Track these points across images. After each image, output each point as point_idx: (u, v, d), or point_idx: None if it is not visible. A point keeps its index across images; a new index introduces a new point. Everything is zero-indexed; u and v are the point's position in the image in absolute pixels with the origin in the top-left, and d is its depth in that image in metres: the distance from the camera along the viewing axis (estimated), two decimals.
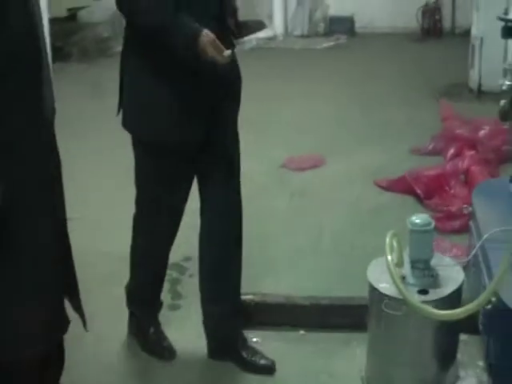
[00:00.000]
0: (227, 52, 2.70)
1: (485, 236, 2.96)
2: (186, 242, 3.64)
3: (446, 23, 10.75)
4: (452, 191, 4.73)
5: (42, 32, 2.17)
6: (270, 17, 10.65)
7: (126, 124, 2.96)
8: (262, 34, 10.09)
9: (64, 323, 2.43)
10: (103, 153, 5.68)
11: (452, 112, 6.53)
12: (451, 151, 5.28)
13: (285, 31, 10.76)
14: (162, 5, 2.68)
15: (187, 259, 3.95)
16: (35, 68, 2.13)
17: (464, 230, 4.02)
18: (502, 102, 2.77)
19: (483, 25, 7.40)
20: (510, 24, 2.51)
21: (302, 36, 10.71)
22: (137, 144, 2.98)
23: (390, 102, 7.10)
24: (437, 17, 10.56)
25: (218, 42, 2.66)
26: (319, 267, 3.88)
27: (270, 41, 10.37)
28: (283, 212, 4.68)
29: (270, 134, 6.16)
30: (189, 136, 2.88)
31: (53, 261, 2.27)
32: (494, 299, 2.54)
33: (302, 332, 3.31)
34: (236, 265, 3.10)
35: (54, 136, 2.28)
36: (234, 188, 3.07)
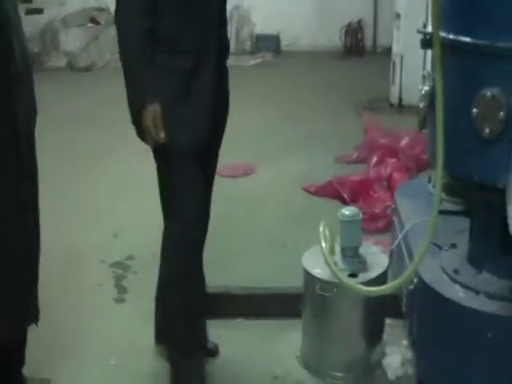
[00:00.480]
0: (162, 135, 2.79)
1: (407, 227, 3.27)
2: (129, 241, 3.88)
3: (368, 42, 11.24)
4: (375, 195, 5.06)
5: (22, 44, 2.38)
6: None
7: None
8: None
9: (28, 315, 2.65)
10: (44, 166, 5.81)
11: (374, 124, 6.91)
12: (374, 159, 5.63)
13: None
14: (139, 46, 2.79)
15: (130, 258, 4.18)
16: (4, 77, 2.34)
17: (387, 229, 4.36)
18: (421, 104, 3.05)
19: (403, 43, 7.85)
20: (427, 36, 2.78)
21: (229, 53, 10.98)
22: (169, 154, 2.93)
23: (315, 115, 7.46)
24: (359, 36, 11.03)
25: (159, 120, 2.78)
26: (254, 262, 4.15)
27: None
28: (218, 216, 4.92)
29: None
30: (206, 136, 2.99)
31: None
32: (415, 279, 2.85)
33: (239, 320, 3.57)
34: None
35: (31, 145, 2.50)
36: (210, 198, 3.28)
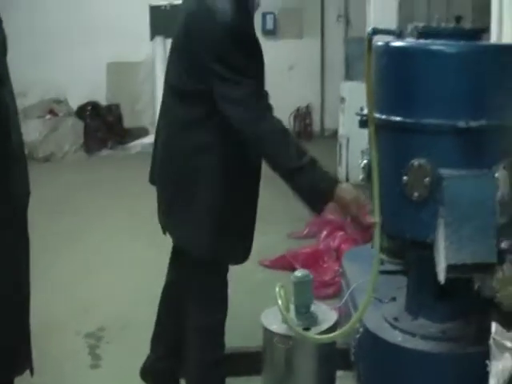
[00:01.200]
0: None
1: (353, 286, 3.67)
2: (100, 314, 4.22)
3: (316, 126, 11.83)
4: (325, 265, 5.49)
5: (18, 130, 2.76)
6: (153, 124, 11.38)
7: (194, 244, 3.34)
8: (146, 140, 10.85)
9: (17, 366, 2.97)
10: None
11: None
12: (324, 233, 6.07)
13: None
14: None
15: (102, 329, 4.52)
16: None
17: (336, 295, 4.75)
18: (360, 176, 3.49)
19: (348, 125, 8.42)
20: (364, 118, 3.24)
21: None
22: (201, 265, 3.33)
23: (268, 196, 7.84)
24: (307, 121, 11.61)
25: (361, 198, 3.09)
26: None
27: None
28: None
29: None
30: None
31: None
32: (360, 329, 3.24)
33: None
34: None
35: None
36: None
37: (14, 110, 2.82)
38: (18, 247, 2.86)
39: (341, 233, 5.95)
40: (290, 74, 11.49)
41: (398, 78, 3.03)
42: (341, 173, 8.63)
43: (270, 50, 12.83)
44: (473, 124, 2.81)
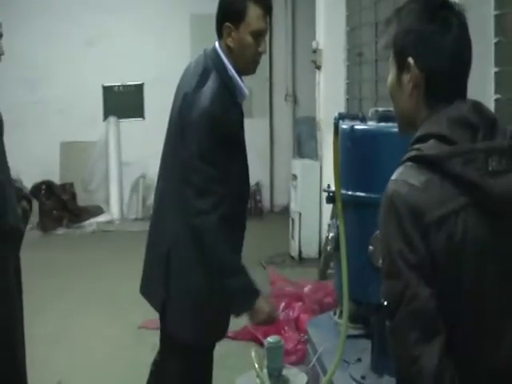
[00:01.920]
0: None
1: (320, 350, 3.92)
2: None
3: (266, 203, 12.15)
4: (286, 334, 5.71)
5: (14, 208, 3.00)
6: (107, 202, 11.58)
7: (177, 328, 3.43)
8: (100, 218, 11.02)
9: None
10: None
11: (278, 276, 7.65)
12: (283, 304, 6.32)
13: (121, 215, 11.65)
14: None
15: None
16: None
17: (299, 362, 4.98)
18: (328, 247, 3.77)
19: (300, 202, 8.76)
20: (331, 194, 3.52)
21: (137, 219, 11.63)
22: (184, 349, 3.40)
23: None
24: (257, 198, 11.93)
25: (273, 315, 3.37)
26: None
27: (108, 224, 11.22)
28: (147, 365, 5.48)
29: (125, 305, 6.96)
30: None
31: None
32: None
33: None
34: None
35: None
36: None
37: (12, 190, 3.05)
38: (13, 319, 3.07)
39: (299, 303, 6.21)
40: None
41: (361, 157, 3.36)
42: (294, 247, 8.92)
43: None
44: None
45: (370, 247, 3.22)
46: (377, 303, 3.28)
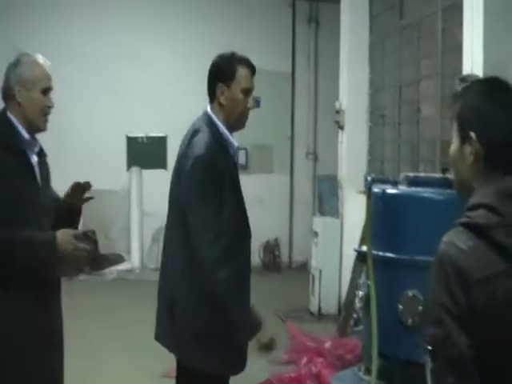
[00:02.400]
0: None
1: None
2: None
3: (284, 258, 12.29)
4: None
5: None
6: (128, 251, 11.76)
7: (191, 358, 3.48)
8: (121, 267, 11.18)
9: None
10: None
11: (299, 330, 7.74)
12: (304, 359, 6.42)
13: (141, 264, 11.83)
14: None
15: None
16: None
17: None
18: (358, 305, 3.93)
19: (321, 258, 8.90)
20: (362, 254, 3.70)
21: (156, 269, 11.73)
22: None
23: None
24: (276, 253, 12.07)
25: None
26: None
27: (128, 272, 11.38)
28: None
29: (146, 352, 7.07)
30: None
31: None
32: None
33: None
34: None
35: None
36: None
37: None
38: None
39: (321, 359, 6.30)
40: (260, 207, 12.01)
41: (392, 220, 3.53)
42: (313, 303, 9.02)
43: (242, 183, 13.37)
44: None
45: (400, 306, 3.36)
46: (404, 358, 3.44)
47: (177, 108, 11.95)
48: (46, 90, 3.44)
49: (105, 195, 11.77)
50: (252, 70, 3.59)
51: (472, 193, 2.15)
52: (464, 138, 2.19)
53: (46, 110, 3.47)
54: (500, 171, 2.13)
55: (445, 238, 2.13)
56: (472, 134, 2.16)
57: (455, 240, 2.08)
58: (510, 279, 2.00)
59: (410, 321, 3.34)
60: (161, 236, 11.93)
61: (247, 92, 3.56)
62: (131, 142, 12.23)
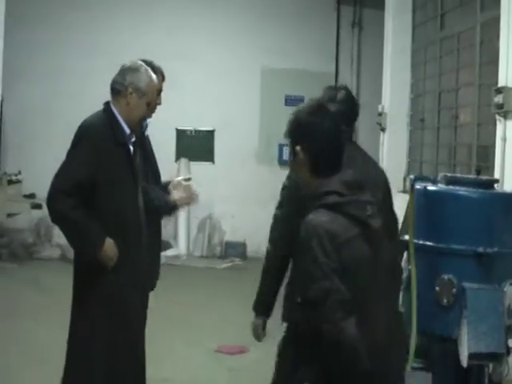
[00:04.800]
0: None
1: None
2: None
3: None
4: None
5: None
6: (175, 238, 12.35)
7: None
8: (169, 253, 11.77)
9: None
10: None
11: None
12: None
13: (187, 251, 12.38)
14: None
15: None
16: None
17: None
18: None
19: None
20: (404, 242, 4.19)
21: (202, 257, 12.39)
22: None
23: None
24: None
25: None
26: None
27: (175, 258, 11.98)
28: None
29: (200, 329, 7.68)
30: None
31: None
32: None
33: None
34: None
35: None
36: None
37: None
38: None
39: None
40: None
41: (432, 213, 4.06)
42: None
43: (282, 178, 13.76)
44: (489, 250, 3.84)
45: (437, 288, 3.90)
46: (439, 334, 3.97)
47: (225, 103, 12.50)
48: (150, 103, 4.11)
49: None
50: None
51: (315, 187, 2.86)
52: (294, 151, 2.90)
53: (143, 118, 4.15)
54: (330, 169, 2.86)
55: (309, 218, 2.80)
56: (297, 148, 2.88)
57: (319, 216, 2.79)
58: (361, 240, 2.81)
59: (445, 301, 3.86)
60: (206, 225, 12.51)
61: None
62: (180, 134, 12.80)
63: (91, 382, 3.95)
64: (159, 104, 4.36)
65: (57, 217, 3.93)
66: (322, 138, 2.87)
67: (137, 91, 4.00)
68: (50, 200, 3.91)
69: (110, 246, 3.88)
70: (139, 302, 4.19)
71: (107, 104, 4.08)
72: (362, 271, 2.79)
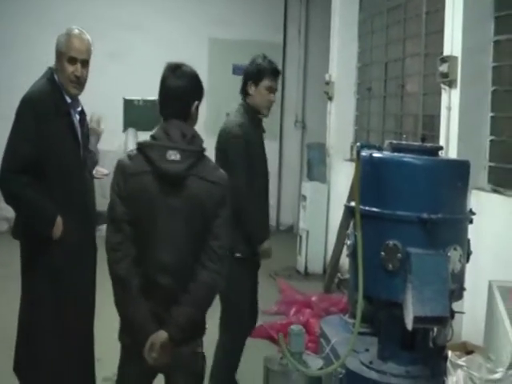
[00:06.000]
0: None
1: (333, 341, 4.67)
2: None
3: (272, 221, 12.89)
4: None
5: None
6: None
7: None
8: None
9: None
10: None
11: (287, 285, 8.39)
12: (293, 310, 7.09)
13: None
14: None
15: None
16: None
17: None
18: (346, 254, 4.51)
19: (309, 221, 9.50)
20: (350, 208, 4.26)
21: None
22: None
23: None
24: None
25: None
26: None
27: None
28: None
29: None
30: None
31: None
32: (343, 371, 4.23)
33: None
34: None
35: None
36: None
37: None
38: None
39: (308, 310, 6.96)
40: None
41: (378, 180, 4.10)
42: (300, 262, 9.65)
43: None
44: (433, 216, 3.89)
45: (382, 253, 3.96)
46: (385, 299, 4.04)
47: None
48: (72, 60, 3.98)
49: (102, 154, 12.24)
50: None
51: None
52: None
53: (71, 77, 4.01)
54: (165, 117, 3.41)
55: (127, 152, 3.41)
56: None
57: (127, 153, 3.38)
58: (151, 177, 3.24)
59: (390, 266, 3.91)
60: None
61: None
62: (128, 104, 12.70)
63: (42, 345, 3.96)
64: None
65: (10, 197, 3.90)
66: (161, 86, 3.49)
67: (57, 53, 3.97)
68: (1, 182, 3.87)
69: (60, 222, 3.88)
70: (85, 274, 4.17)
71: (50, 71, 4.02)
72: (144, 201, 3.24)
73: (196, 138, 3.34)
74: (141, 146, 3.29)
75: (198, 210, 3.25)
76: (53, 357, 3.98)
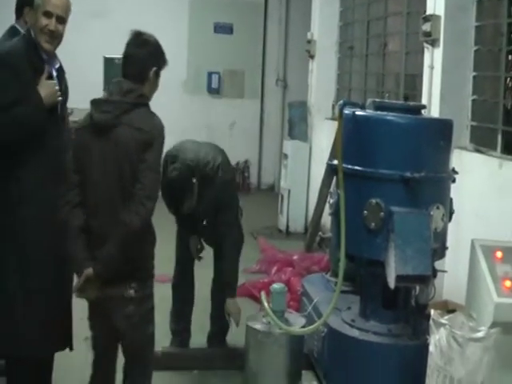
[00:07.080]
0: None
1: (316, 299, 4.69)
2: None
3: (254, 180, 12.88)
4: None
5: None
6: None
7: None
8: None
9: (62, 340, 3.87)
10: None
11: (269, 245, 8.40)
12: (275, 268, 7.10)
13: None
14: None
15: None
16: None
17: None
18: (329, 212, 4.50)
19: (290, 179, 9.50)
20: (333, 167, 4.25)
21: None
22: None
23: None
24: (245, 174, 12.65)
25: None
26: None
27: None
28: None
29: None
30: None
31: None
32: (325, 329, 4.25)
33: (195, 372, 4.84)
34: None
35: None
36: None
37: None
38: None
39: (290, 268, 6.97)
40: (231, 131, 12.55)
41: (360, 138, 4.09)
42: (282, 221, 9.66)
43: (215, 107, 13.66)
44: (416, 175, 3.89)
45: (365, 212, 3.95)
46: (367, 258, 4.05)
47: (153, 32, 12.21)
48: (48, 14, 3.88)
49: (83, 114, 12.14)
50: None
51: None
52: None
53: (44, 30, 3.90)
54: (122, 77, 3.59)
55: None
56: None
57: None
58: (88, 129, 3.49)
59: (373, 224, 3.92)
60: None
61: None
62: (108, 62, 12.52)
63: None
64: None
65: None
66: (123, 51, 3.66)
67: (34, 6, 3.89)
68: None
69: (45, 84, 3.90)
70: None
71: (27, 31, 3.95)
72: (84, 151, 3.49)
73: (132, 92, 3.51)
74: (90, 102, 3.56)
75: (125, 156, 3.42)
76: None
